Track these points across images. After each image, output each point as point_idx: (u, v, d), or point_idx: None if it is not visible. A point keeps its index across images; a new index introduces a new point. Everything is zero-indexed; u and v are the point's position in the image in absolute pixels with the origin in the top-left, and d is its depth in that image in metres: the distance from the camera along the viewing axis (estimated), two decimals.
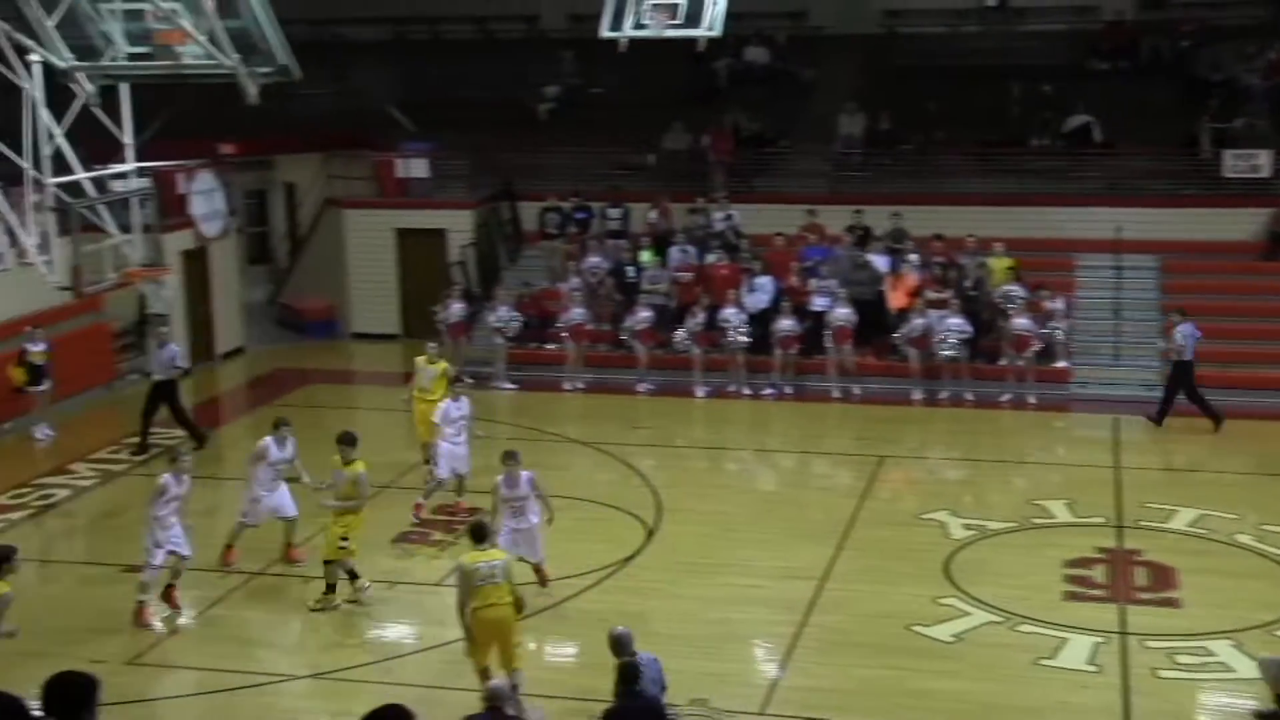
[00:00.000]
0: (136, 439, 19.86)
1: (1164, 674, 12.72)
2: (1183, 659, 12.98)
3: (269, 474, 15.37)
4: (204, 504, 16.97)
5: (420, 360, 18.66)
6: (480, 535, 11.98)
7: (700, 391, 22.80)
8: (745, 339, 22.51)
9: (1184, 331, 20.13)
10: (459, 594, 11.81)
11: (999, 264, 23.05)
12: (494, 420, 21.82)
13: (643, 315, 23.12)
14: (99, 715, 5.42)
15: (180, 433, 20.16)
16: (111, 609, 14.55)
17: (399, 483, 18.34)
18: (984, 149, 26.84)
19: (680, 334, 23.11)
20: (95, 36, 15.10)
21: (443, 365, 18.61)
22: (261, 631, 14.28)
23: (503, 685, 9.59)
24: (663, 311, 23.66)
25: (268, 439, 15.53)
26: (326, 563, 14.36)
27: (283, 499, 15.40)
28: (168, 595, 14.34)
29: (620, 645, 10.13)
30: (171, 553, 14.16)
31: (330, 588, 14.36)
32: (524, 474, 14.07)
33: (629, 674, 9.44)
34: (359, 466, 14.37)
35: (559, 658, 13.69)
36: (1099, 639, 13.39)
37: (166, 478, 14.37)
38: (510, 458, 14.14)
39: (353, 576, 14.43)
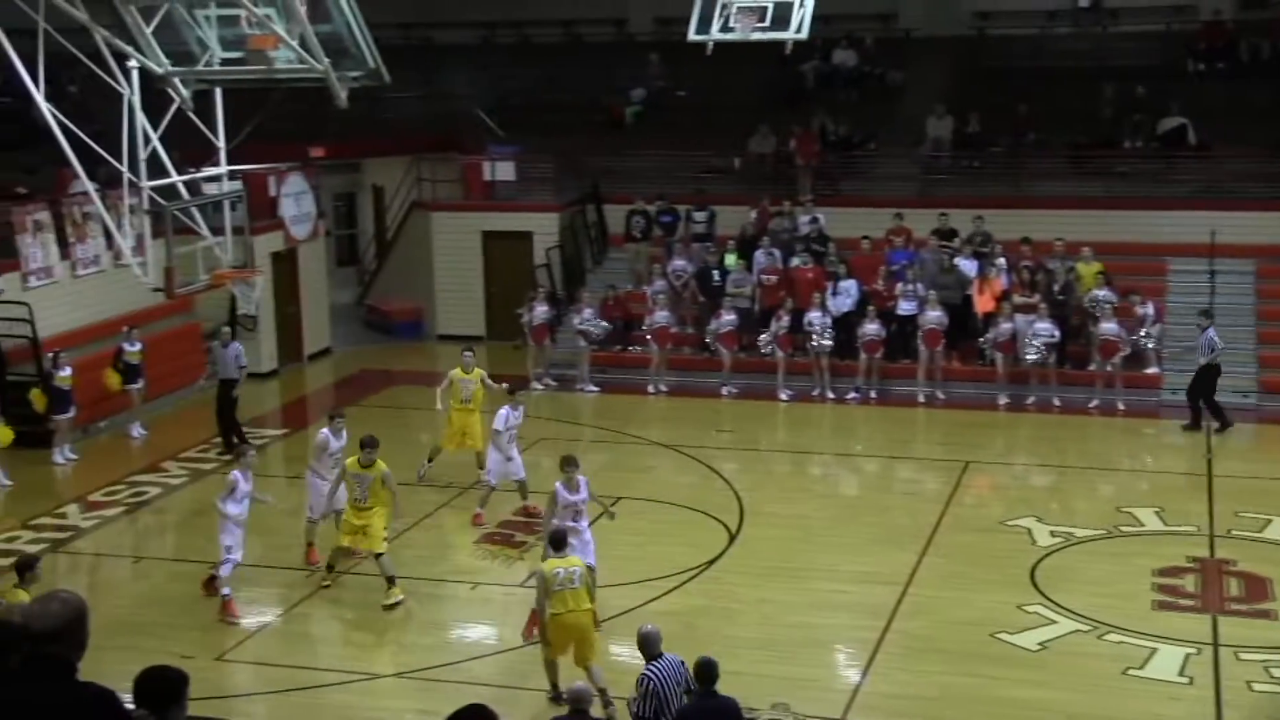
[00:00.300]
0: (221, 439, 20.09)
1: (1259, 687, 12.45)
2: (1279, 672, 12.70)
3: (328, 464, 15.63)
4: (290, 503, 17.21)
5: (456, 372, 18.07)
6: (559, 542, 12.07)
7: (784, 395, 22.72)
8: (829, 343, 22.39)
9: (1209, 336, 20.45)
10: (537, 598, 11.93)
11: (1088, 269, 22.72)
12: (577, 423, 21.97)
13: (727, 319, 23.08)
14: (187, 709, 5.51)
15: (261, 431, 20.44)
16: (200, 605, 14.79)
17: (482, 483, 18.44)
18: (1075, 152, 26.49)
19: (764, 338, 23.04)
20: (191, 42, 15.37)
21: (479, 373, 18.19)
22: (344, 630, 14.44)
23: (585, 688, 9.57)
24: (746, 315, 23.60)
25: (324, 430, 15.88)
26: (377, 556, 14.56)
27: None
28: (209, 585, 14.66)
29: (648, 644, 10.03)
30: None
31: (390, 580, 14.55)
32: (582, 479, 13.88)
33: (706, 673, 9.41)
34: (381, 466, 14.57)
35: (639, 661, 13.65)
36: (1190, 650, 13.14)
37: (324, 433, 15.64)
38: (569, 464, 13.88)
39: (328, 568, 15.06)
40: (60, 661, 5.05)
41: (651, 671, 9.83)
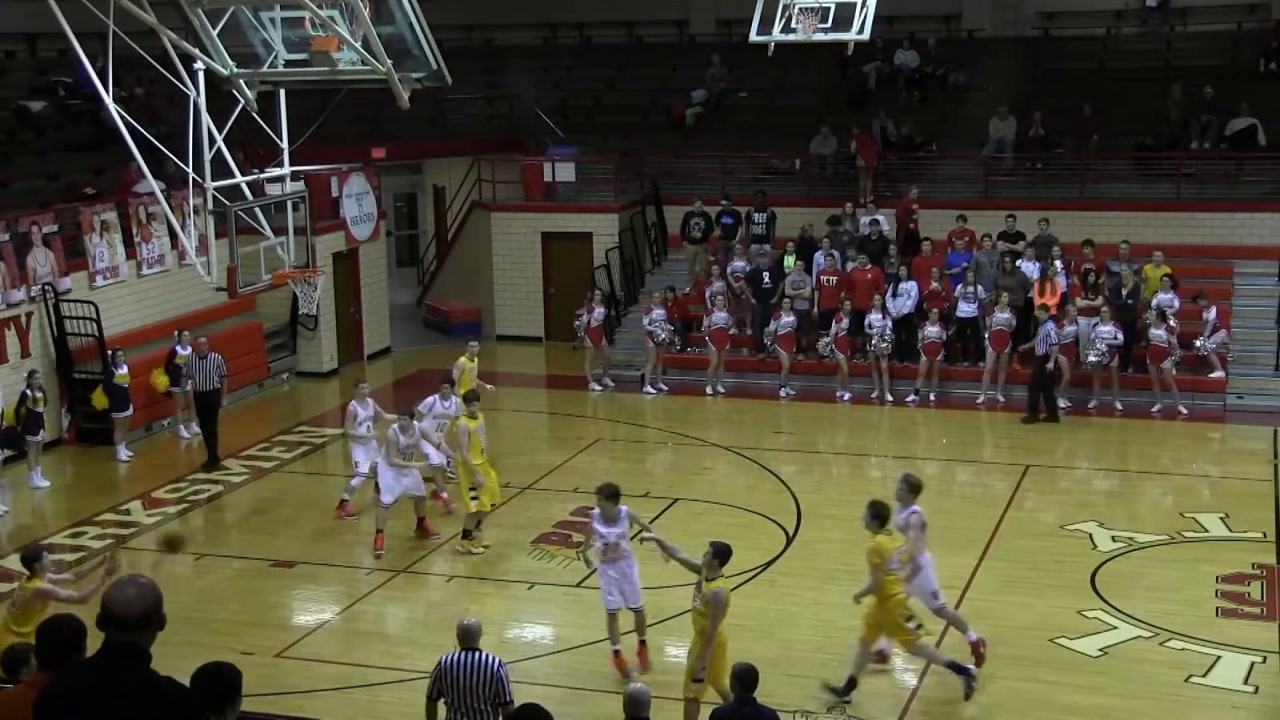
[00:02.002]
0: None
1: None
2: None
3: (364, 430, 17.07)
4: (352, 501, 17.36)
5: (464, 360, 18.72)
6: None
7: (845, 397, 22.63)
8: (886, 345, 22.27)
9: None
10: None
11: (1154, 272, 22.43)
12: (636, 424, 21.96)
13: (785, 320, 23.00)
14: (240, 705, 5.56)
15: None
16: (261, 602, 14.95)
17: (538, 484, 18.52)
18: (1141, 153, 26.20)
19: (824, 341, 22.96)
20: (256, 45, 15.53)
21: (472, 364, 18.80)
22: (403, 628, 14.52)
23: (642, 689, 9.41)
24: (805, 317, 23.52)
25: (352, 403, 17.19)
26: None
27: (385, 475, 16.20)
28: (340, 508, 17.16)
29: (465, 636, 9.82)
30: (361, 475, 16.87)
31: (466, 533, 15.96)
32: (623, 509, 12.76)
33: (745, 680, 9.37)
34: (479, 420, 15.76)
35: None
36: (1255, 658, 12.95)
37: (353, 404, 17.13)
38: (605, 494, 12.74)
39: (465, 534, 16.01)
40: (139, 650, 5.08)
41: (446, 659, 9.73)
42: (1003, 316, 21.86)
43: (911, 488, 12.84)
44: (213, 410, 19.88)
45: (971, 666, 12.27)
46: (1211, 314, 21.86)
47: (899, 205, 24.99)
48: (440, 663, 9.78)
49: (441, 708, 9.73)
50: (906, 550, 12.23)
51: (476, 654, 9.72)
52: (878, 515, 12.14)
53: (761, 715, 9.34)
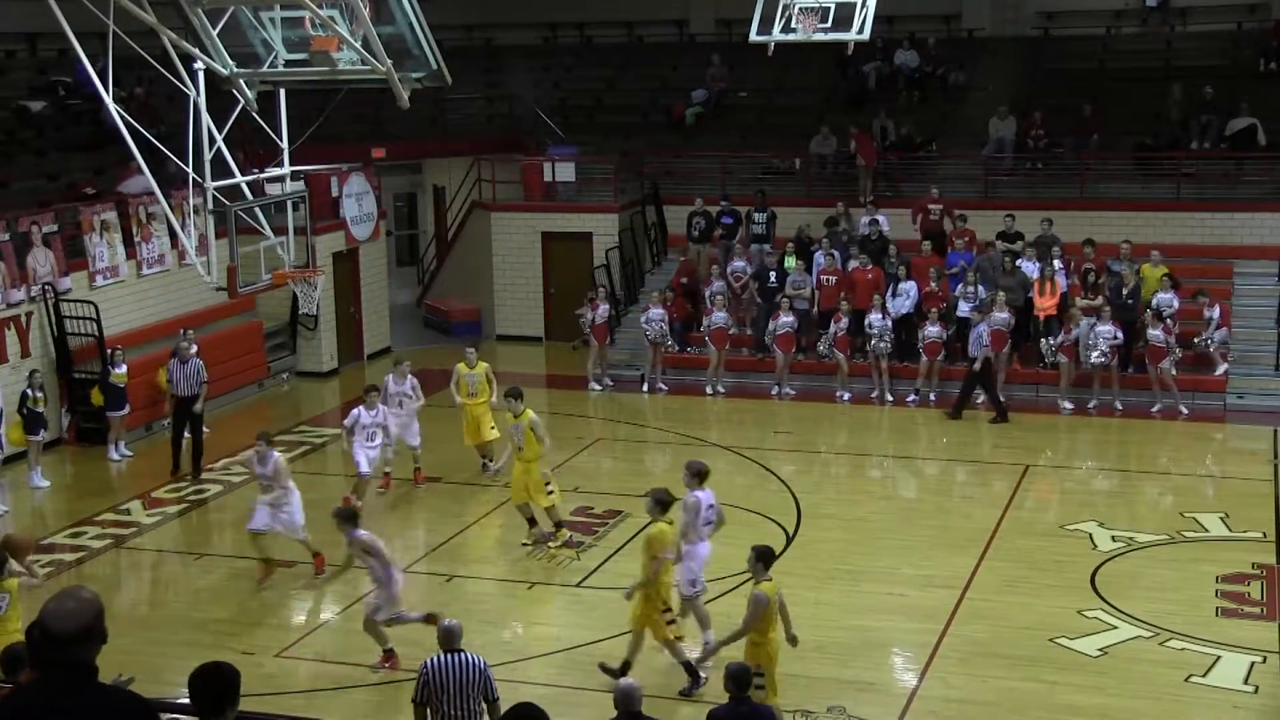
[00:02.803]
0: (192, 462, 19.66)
1: None
2: None
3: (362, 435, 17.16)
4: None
5: (460, 367, 18.72)
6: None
7: (845, 397, 22.64)
8: (886, 345, 22.26)
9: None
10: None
11: (1153, 272, 22.41)
12: (635, 424, 21.96)
13: (784, 320, 22.98)
14: (238, 705, 5.53)
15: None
16: (260, 602, 14.95)
17: None
18: (1141, 153, 26.21)
19: (824, 340, 22.97)
20: (256, 44, 15.53)
21: (483, 367, 18.80)
22: (403, 628, 14.47)
23: (633, 685, 9.39)
24: (805, 317, 23.52)
25: (359, 409, 17.29)
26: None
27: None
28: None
29: (448, 638, 9.94)
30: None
31: (531, 521, 16.10)
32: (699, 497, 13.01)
33: (738, 679, 9.37)
34: (529, 414, 15.62)
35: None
36: (1255, 658, 12.95)
37: (388, 378, 18.14)
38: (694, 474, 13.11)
39: (557, 525, 16.05)
40: (83, 666, 4.86)
41: (430, 662, 9.82)
42: (1000, 316, 21.85)
43: (694, 474, 13.09)
44: (196, 417, 19.67)
45: (704, 674, 12.20)
46: (1214, 312, 21.85)
47: (915, 205, 24.86)
48: (425, 666, 9.82)
49: (427, 713, 9.77)
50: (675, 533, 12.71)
51: (461, 654, 9.78)
52: (660, 502, 12.38)
53: (759, 713, 9.34)
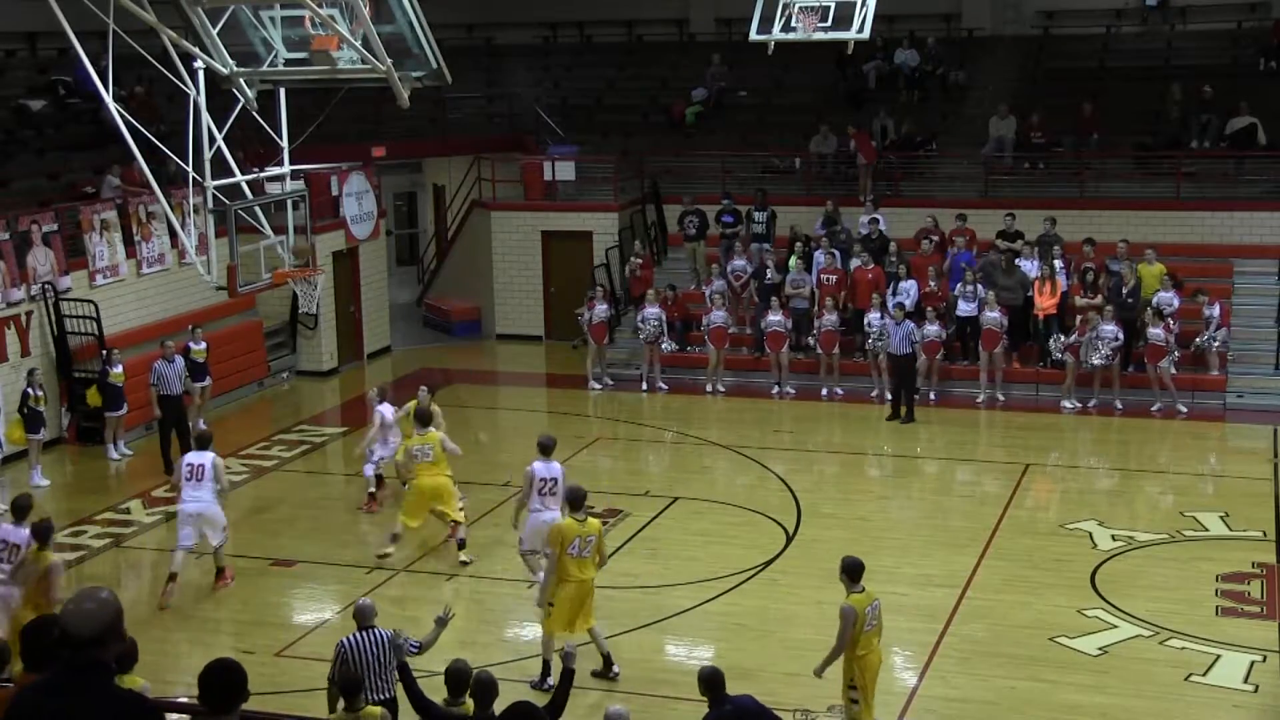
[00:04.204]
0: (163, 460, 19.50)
1: None
2: None
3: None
4: (350, 501, 17.34)
5: (410, 405, 17.25)
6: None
7: (827, 393, 22.60)
8: (885, 345, 22.23)
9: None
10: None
11: (1149, 270, 22.37)
12: (635, 423, 21.96)
13: (772, 319, 22.97)
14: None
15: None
16: (260, 601, 14.95)
17: None
18: (1141, 152, 26.20)
19: (814, 336, 22.95)
20: (256, 43, 15.51)
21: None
22: (402, 626, 14.41)
23: (621, 711, 9.32)
24: (804, 315, 23.50)
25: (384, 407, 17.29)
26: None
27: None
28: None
29: (360, 615, 10.42)
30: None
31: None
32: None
33: (710, 684, 9.36)
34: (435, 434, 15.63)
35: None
36: (1255, 657, 12.96)
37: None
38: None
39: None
40: (101, 667, 4.91)
41: (345, 641, 10.30)
42: (991, 315, 21.85)
43: (540, 448, 13.90)
44: (182, 417, 19.63)
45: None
46: (1214, 311, 21.83)
47: (911, 241, 24.66)
48: (341, 645, 10.28)
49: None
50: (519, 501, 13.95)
51: (374, 631, 10.30)
52: (570, 500, 12.58)
53: (743, 708, 9.32)
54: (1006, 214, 24.19)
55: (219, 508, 15.13)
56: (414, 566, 15.66)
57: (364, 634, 10.24)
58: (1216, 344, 21.83)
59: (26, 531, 12.18)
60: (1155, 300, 21.75)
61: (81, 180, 24.55)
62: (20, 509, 12.52)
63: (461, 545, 15.68)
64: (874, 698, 11.13)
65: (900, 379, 21.41)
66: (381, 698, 10.12)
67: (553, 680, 11.96)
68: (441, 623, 10.73)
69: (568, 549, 12.26)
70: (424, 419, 15.78)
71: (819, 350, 22.84)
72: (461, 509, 15.84)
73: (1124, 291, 22.03)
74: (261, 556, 16.10)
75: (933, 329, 22.10)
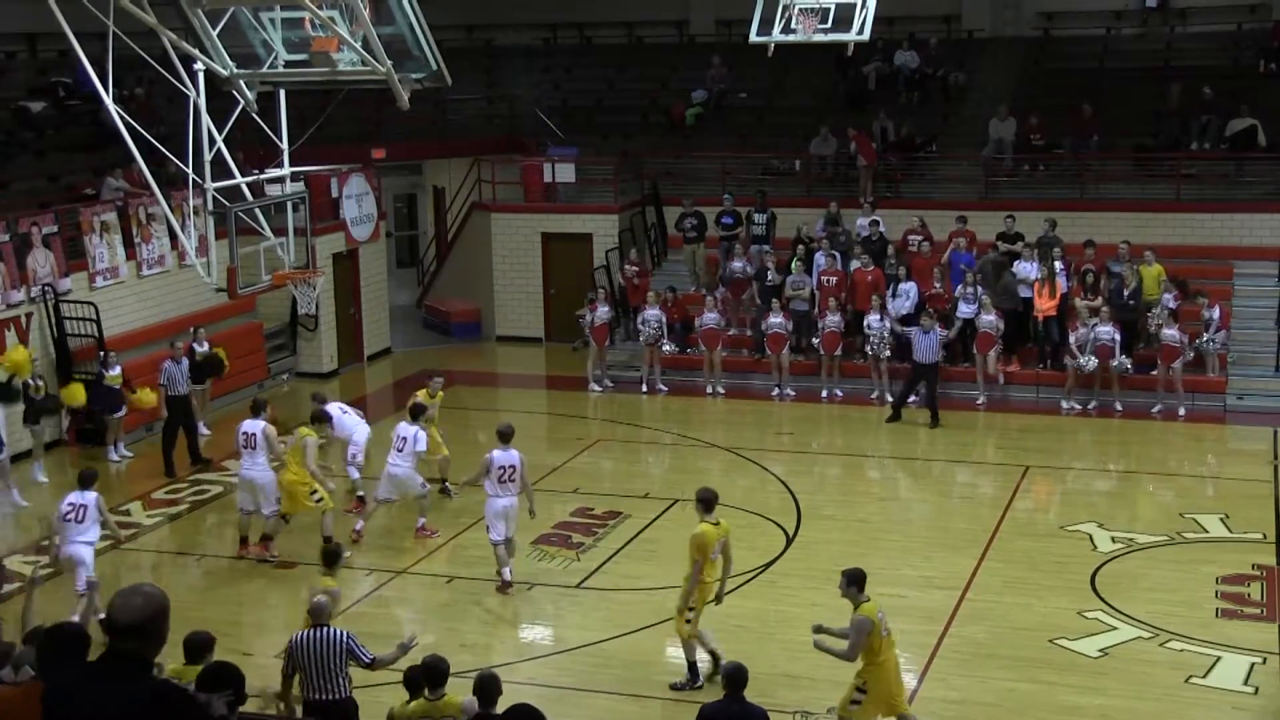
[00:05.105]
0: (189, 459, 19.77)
1: None
2: None
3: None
4: (343, 503, 17.33)
5: (421, 394, 18.17)
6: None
7: (828, 394, 22.59)
8: (888, 350, 22.21)
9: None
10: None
11: (1149, 271, 22.34)
12: (635, 424, 21.95)
13: (773, 321, 22.97)
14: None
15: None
16: (259, 602, 14.95)
17: (538, 485, 18.47)
18: (1141, 154, 26.20)
19: (814, 339, 22.97)
20: (256, 45, 15.54)
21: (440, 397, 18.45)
22: (404, 629, 14.47)
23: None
24: (804, 317, 23.50)
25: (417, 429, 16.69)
26: None
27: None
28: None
29: (313, 614, 10.60)
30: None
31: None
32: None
33: (733, 678, 9.40)
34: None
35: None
36: (1255, 659, 12.96)
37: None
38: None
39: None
40: (138, 659, 5.01)
41: (295, 637, 10.52)
42: (988, 319, 21.85)
43: (499, 435, 14.74)
44: (189, 415, 19.70)
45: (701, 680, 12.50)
46: (1214, 313, 21.82)
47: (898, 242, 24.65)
48: (291, 641, 10.50)
49: (296, 682, 10.48)
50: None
51: (326, 629, 10.43)
52: (702, 500, 12.46)
53: (750, 714, 9.34)
54: (1007, 216, 24.18)
55: (272, 477, 15.72)
56: (414, 569, 15.65)
57: (314, 631, 10.42)
58: (1216, 346, 21.83)
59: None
60: (1164, 301, 21.74)
61: (81, 182, 24.56)
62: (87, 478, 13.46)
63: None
64: (903, 694, 11.22)
65: (928, 386, 21.24)
66: (326, 698, 10.22)
67: (701, 683, 12.29)
68: (404, 649, 10.76)
69: (710, 555, 12.19)
70: (414, 412, 16.81)
71: (821, 351, 22.85)
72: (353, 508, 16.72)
73: (1125, 293, 22.02)
74: (261, 558, 16.08)
75: (989, 319, 21.95)
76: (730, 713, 9.31)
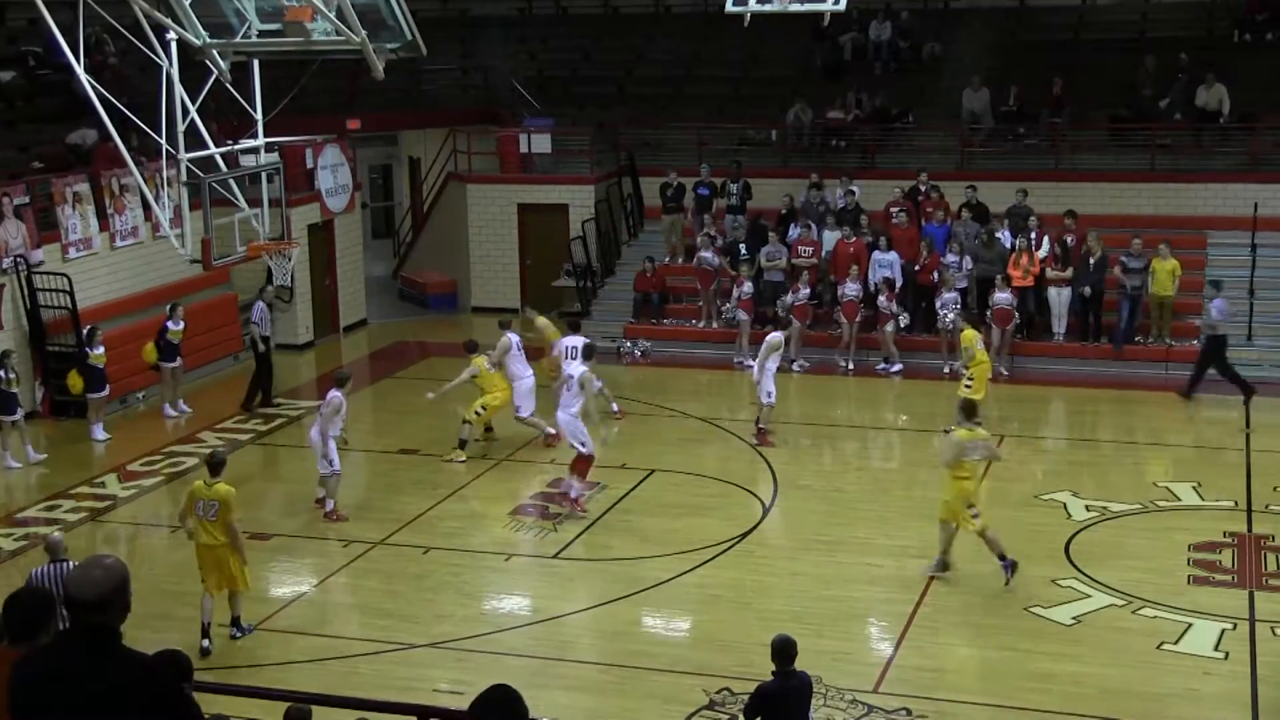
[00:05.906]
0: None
1: None
2: None
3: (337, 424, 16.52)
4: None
5: (479, 361, 18.62)
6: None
7: (796, 366, 22.58)
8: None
9: (1217, 306, 20.16)
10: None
11: (1162, 265, 22.15)
12: (617, 395, 21.94)
13: (746, 289, 23.00)
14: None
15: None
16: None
17: (514, 456, 18.54)
18: (1115, 124, 26.25)
19: (781, 305, 22.91)
20: (228, 14, 15.42)
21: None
22: (380, 600, 14.49)
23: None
24: (778, 288, 23.51)
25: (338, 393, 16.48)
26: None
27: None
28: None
29: (54, 550, 11.20)
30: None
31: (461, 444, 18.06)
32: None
33: (783, 651, 9.39)
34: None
35: (674, 633, 13.73)
36: (1226, 625, 13.08)
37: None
38: None
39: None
40: (107, 630, 5.00)
41: (35, 571, 10.89)
42: (1003, 296, 21.83)
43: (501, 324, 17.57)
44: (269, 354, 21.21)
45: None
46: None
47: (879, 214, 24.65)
48: (32, 574, 10.88)
49: None
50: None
51: (64, 564, 10.87)
52: (962, 410, 14.55)
53: (805, 684, 9.44)
54: (968, 186, 24.17)
55: (327, 443, 15.98)
56: (392, 540, 15.65)
57: (54, 567, 10.84)
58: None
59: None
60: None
61: (51, 151, 24.32)
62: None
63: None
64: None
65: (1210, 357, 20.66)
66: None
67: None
68: None
69: (963, 455, 13.83)
70: (470, 347, 18.67)
71: (841, 320, 22.80)
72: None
73: (1140, 285, 21.94)
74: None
75: (1004, 296, 21.91)
76: (788, 688, 9.34)
